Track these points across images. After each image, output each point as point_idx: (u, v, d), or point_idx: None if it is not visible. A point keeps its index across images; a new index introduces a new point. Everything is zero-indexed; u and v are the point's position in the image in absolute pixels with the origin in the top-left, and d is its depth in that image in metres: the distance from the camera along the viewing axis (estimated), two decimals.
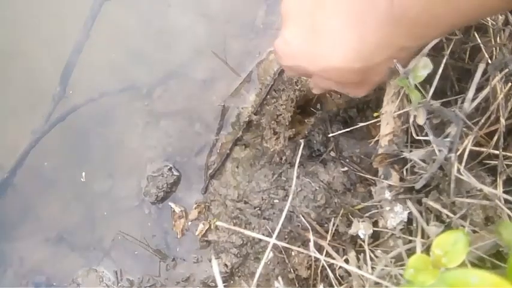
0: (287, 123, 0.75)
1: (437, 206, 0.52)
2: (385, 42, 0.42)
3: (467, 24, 0.58)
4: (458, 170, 0.48)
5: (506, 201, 0.49)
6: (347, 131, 0.74)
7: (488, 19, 0.56)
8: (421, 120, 0.49)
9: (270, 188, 0.74)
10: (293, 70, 0.51)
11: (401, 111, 0.55)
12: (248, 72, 0.84)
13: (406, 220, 0.55)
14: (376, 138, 0.61)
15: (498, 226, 0.40)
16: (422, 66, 0.46)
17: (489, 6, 0.37)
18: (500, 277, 0.25)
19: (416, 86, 0.46)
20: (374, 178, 0.63)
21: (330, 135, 0.72)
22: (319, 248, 0.61)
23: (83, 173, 0.82)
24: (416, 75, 0.46)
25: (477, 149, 0.54)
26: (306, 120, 0.76)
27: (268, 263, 0.70)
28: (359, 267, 0.56)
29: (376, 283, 0.48)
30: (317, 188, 0.70)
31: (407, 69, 0.47)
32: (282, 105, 0.76)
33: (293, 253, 0.69)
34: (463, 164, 0.50)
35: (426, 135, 0.49)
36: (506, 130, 0.54)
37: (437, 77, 0.50)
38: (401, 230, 0.55)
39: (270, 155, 0.76)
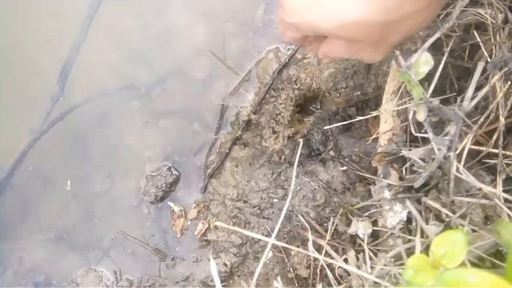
0: (286, 123, 0.75)
1: (437, 205, 0.52)
2: None
3: None
4: (458, 169, 0.48)
5: (505, 200, 0.49)
6: (346, 129, 0.74)
7: (488, 17, 0.56)
8: (421, 117, 0.49)
9: (269, 187, 0.74)
10: (298, 29, 0.44)
11: (400, 108, 0.55)
12: (247, 71, 0.83)
13: (405, 219, 0.55)
14: (374, 136, 0.60)
15: (497, 225, 0.40)
16: (424, 62, 0.46)
17: None
18: (498, 276, 0.25)
19: (416, 83, 0.46)
20: (373, 177, 0.63)
21: (326, 127, 0.71)
22: (319, 248, 0.61)
23: (68, 182, 0.82)
24: (418, 71, 0.46)
25: (476, 147, 0.54)
26: (305, 119, 0.76)
27: (268, 262, 0.70)
28: (358, 267, 0.56)
29: (376, 283, 0.48)
30: (316, 187, 0.70)
31: (408, 63, 0.46)
32: (281, 104, 0.76)
33: (292, 252, 0.69)
34: (462, 162, 0.49)
35: (425, 132, 0.49)
36: (506, 129, 0.54)
37: (437, 75, 0.49)
38: (400, 229, 0.55)
39: (269, 154, 0.76)
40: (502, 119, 0.53)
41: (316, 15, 0.41)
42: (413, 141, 0.56)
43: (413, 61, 0.46)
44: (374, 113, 0.61)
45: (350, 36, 0.41)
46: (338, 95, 0.75)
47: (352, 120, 0.63)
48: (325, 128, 0.72)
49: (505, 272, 0.29)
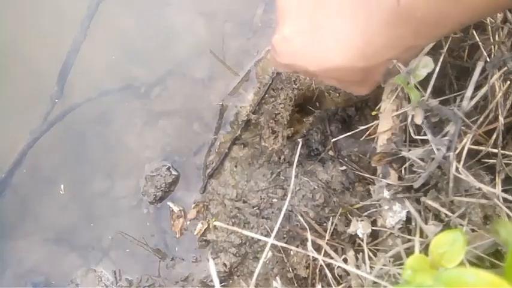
0: (285, 122, 0.75)
1: (436, 205, 0.52)
2: (391, 42, 0.41)
3: (476, 21, 0.56)
4: (457, 169, 0.48)
5: (505, 200, 0.49)
6: (345, 129, 0.73)
7: None
8: (419, 120, 0.49)
9: (269, 187, 0.74)
10: (290, 68, 0.50)
11: (399, 112, 0.55)
12: (246, 71, 0.83)
13: (404, 219, 0.55)
14: (373, 136, 0.60)
15: (495, 224, 0.39)
16: (423, 65, 0.46)
17: (499, 2, 0.36)
18: (497, 276, 0.25)
19: (414, 84, 0.46)
20: (373, 177, 0.63)
21: (333, 140, 0.72)
22: (318, 247, 0.61)
23: (62, 186, 0.82)
24: (417, 74, 0.46)
25: (476, 147, 0.54)
26: (304, 119, 0.76)
27: (267, 262, 0.70)
28: (357, 267, 0.56)
29: (375, 282, 0.48)
30: (315, 187, 0.70)
31: (408, 68, 0.46)
32: (280, 104, 0.76)
33: (292, 252, 0.69)
34: (462, 162, 0.49)
35: (424, 134, 0.49)
36: (505, 128, 0.54)
37: (436, 75, 0.49)
38: (399, 229, 0.55)
39: (269, 154, 0.75)
40: (501, 119, 0.53)
41: (304, 60, 0.46)
42: (413, 141, 0.56)
43: (413, 65, 0.46)
44: (373, 113, 0.61)
45: (336, 77, 0.47)
46: (337, 94, 0.75)
47: (355, 131, 0.64)
48: (332, 140, 0.73)
49: (503, 271, 0.29)
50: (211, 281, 0.75)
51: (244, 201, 0.75)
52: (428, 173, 0.50)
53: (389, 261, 0.51)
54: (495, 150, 0.53)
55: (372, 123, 0.61)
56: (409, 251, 0.52)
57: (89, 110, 0.84)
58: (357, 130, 0.64)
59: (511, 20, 0.54)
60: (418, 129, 0.52)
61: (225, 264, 0.73)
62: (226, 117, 0.82)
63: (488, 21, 0.56)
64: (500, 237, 0.40)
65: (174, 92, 0.84)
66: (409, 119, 0.50)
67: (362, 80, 0.47)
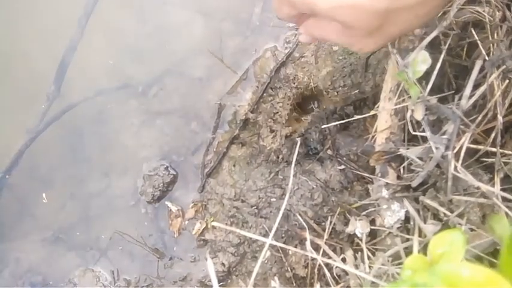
0: (284, 121, 0.74)
1: (435, 204, 0.51)
2: None
3: None
4: (455, 168, 0.48)
5: (503, 198, 0.49)
6: (344, 128, 0.73)
7: (486, 15, 0.56)
8: (419, 115, 0.49)
9: (267, 186, 0.73)
10: (294, 6, 0.42)
11: (398, 106, 0.54)
12: (244, 70, 0.83)
13: (403, 218, 0.55)
14: (372, 134, 0.60)
15: (491, 220, 0.39)
16: (422, 61, 0.46)
17: None
18: (492, 270, 0.25)
19: (414, 81, 0.46)
20: (371, 176, 0.62)
21: (323, 126, 0.71)
22: (317, 247, 0.61)
23: (43, 194, 0.81)
24: (416, 69, 0.46)
25: (474, 146, 0.54)
26: (302, 118, 0.76)
27: (266, 261, 0.70)
28: (356, 266, 0.56)
29: (373, 282, 0.48)
30: (314, 186, 0.70)
31: (406, 61, 0.46)
32: (278, 103, 0.76)
33: (290, 252, 0.68)
34: (460, 161, 0.49)
35: (423, 131, 0.49)
36: (504, 127, 0.53)
37: (435, 73, 0.49)
38: (398, 228, 0.55)
39: (267, 153, 0.75)
40: (499, 118, 0.52)
41: None
42: (411, 140, 0.56)
43: (410, 60, 0.45)
44: (372, 112, 0.61)
45: (347, 20, 0.39)
46: (336, 93, 0.75)
47: (349, 119, 0.63)
48: (322, 126, 0.71)
49: (499, 266, 0.29)
50: (210, 280, 0.75)
51: (242, 201, 0.74)
52: (427, 172, 0.50)
53: (388, 260, 0.51)
54: (494, 149, 0.53)
55: (367, 115, 0.60)
56: (408, 251, 0.52)
57: (86, 109, 0.84)
58: (351, 119, 0.63)
59: (509, 19, 0.54)
60: (417, 126, 0.52)
61: (223, 264, 0.73)
62: (224, 117, 0.82)
63: (487, 19, 0.56)
64: (495, 233, 0.40)
65: (171, 91, 0.84)
66: (408, 115, 0.50)
67: (375, 29, 0.39)
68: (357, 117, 0.62)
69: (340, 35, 0.41)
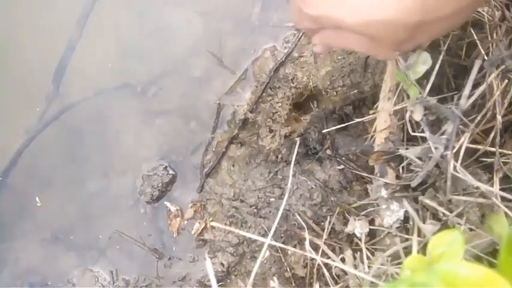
0: (283, 121, 0.74)
1: (434, 204, 0.51)
2: None
3: None
4: (455, 168, 0.48)
5: (502, 198, 0.49)
6: (343, 128, 0.73)
7: (485, 15, 0.56)
8: (418, 116, 0.49)
9: (266, 186, 0.73)
10: (317, 22, 0.40)
11: (397, 107, 0.54)
12: (244, 70, 0.83)
13: (402, 218, 0.54)
14: (371, 134, 0.60)
15: (490, 220, 0.39)
16: (422, 62, 0.46)
17: None
18: (491, 270, 0.25)
19: (412, 82, 0.46)
20: (370, 176, 0.62)
21: (325, 130, 0.71)
22: (316, 247, 0.61)
23: (37, 198, 0.81)
24: (416, 70, 0.46)
25: (473, 146, 0.54)
26: (302, 118, 0.76)
27: (265, 261, 0.70)
28: (355, 266, 0.55)
29: (372, 282, 0.48)
30: (313, 186, 0.70)
31: (407, 63, 0.46)
32: (277, 103, 0.76)
33: (289, 252, 0.68)
34: (459, 161, 0.49)
35: (422, 131, 0.49)
36: (503, 127, 0.54)
37: (434, 73, 0.49)
38: (397, 228, 0.55)
39: (266, 153, 0.75)
40: (499, 117, 0.52)
41: (341, 10, 0.37)
42: (411, 140, 0.56)
43: (412, 61, 0.45)
44: (371, 112, 0.61)
45: (375, 34, 0.37)
46: (335, 93, 0.75)
47: (350, 123, 0.63)
48: (323, 131, 0.72)
49: (498, 265, 0.29)
50: (209, 280, 0.75)
51: (241, 201, 0.74)
52: (426, 172, 0.50)
53: (387, 260, 0.51)
54: (493, 149, 0.53)
55: (366, 118, 0.60)
56: (407, 250, 0.52)
57: (85, 109, 0.84)
58: (352, 122, 0.63)
59: (509, 18, 0.54)
60: (416, 126, 0.52)
61: (222, 264, 0.73)
62: (223, 116, 0.82)
63: (486, 19, 0.56)
64: (493, 232, 0.40)
65: (170, 91, 0.84)
66: (407, 116, 0.50)
67: (403, 41, 0.37)
68: (356, 120, 0.62)
69: (365, 46, 0.40)
